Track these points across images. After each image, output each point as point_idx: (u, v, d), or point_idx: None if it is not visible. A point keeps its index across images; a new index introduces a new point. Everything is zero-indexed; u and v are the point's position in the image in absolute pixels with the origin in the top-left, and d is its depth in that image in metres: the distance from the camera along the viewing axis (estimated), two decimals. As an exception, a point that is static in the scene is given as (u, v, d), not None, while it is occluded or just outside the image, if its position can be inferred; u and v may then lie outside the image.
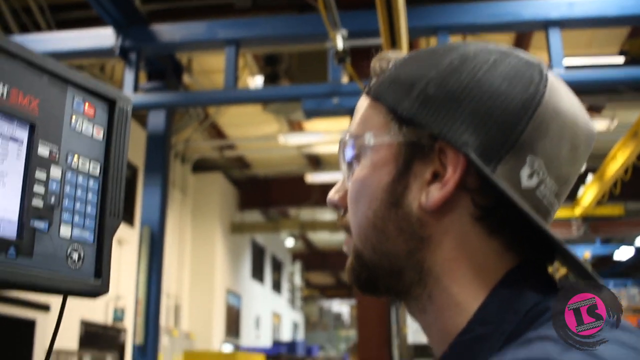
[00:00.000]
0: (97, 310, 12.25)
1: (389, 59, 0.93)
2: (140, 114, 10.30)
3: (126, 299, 12.02)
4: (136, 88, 6.59)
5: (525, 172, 0.79)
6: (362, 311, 6.65)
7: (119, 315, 12.71)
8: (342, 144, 0.92)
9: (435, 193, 0.81)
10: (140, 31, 6.65)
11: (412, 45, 5.75)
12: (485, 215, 0.80)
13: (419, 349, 3.66)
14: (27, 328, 10.09)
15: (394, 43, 4.32)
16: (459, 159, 0.79)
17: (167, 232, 13.31)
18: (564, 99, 0.82)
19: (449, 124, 0.80)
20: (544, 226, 0.77)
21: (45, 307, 10.40)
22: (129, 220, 13.01)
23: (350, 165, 0.91)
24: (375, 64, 0.94)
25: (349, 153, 0.92)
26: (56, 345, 10.07)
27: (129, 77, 6.57)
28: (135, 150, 11.05)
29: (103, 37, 6.70)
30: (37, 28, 8.85)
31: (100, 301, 12.36)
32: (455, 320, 0.80)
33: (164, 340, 11.82)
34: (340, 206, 0.94)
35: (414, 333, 3.60)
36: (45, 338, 10.30)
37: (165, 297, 14.08)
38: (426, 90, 0.82)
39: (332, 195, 0.96)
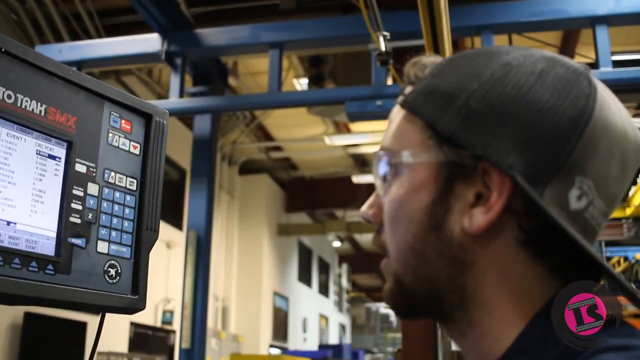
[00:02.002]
0: (146, 313, 12.38)
1: (425, 65, 0.87)
2: (188, 117, 10.38)
3: (175, 302, 12.13)
4: (182, 92, 6.64)
5: (573, 194, 0.74)
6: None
7: (167, 318, 12.83)
8: (377, 158, 0.87)
9: (480, 217, 0.76)
10: (185, 36, 6.71)
11: (456, 45, 5.71)
12: (530, 239, 0.76)
13: (462, 357, 3.60)
14: (79, 329, 10.25)
15: (436, 44, 4.28)
16: (505, 181, 0.75)
17: (215, 234, 13.44)
18: (613, 111, 0.78)
19: (494, 143, 0.75)
20: (595, 253, 0.74)
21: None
22: (178, 223, 13.13)
23: (385, 180, 0.86)
24: (410, 70, 0.88)
25: (384, 168, 0.86)
26: (106, 347, 10.26)
27: (174, 82, 6.63)
28: (183, 153, 11.15)
29: (149, 42, 6.76)
30: (86, 33, 9.00)
31: (150, 303, 12.50)
32: (494, 347, 0.77)
33: (212, 343, 11.89)
34: (375, 223, 0.89)
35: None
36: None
37: (213, 299, 14.18)
38: (468, 105, 0.77)
39: (366, 210, 0.90)
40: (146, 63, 8.57)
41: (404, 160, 0.83)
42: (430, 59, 0.89)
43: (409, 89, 0.86)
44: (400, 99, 0.86)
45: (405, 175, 0.82)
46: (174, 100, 6.52)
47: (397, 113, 0.87)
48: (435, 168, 0.80)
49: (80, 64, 6.68)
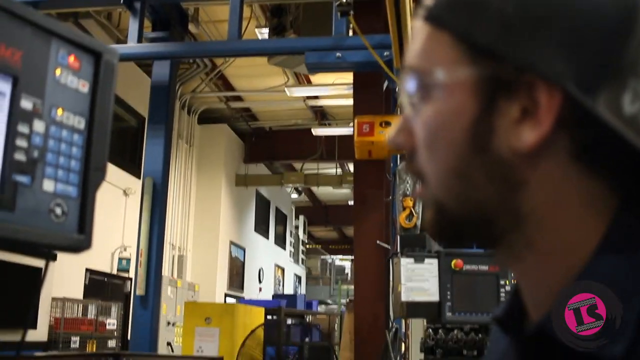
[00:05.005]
0: (102, 260, 12.35)
1: None
2: (147, 63, 10.25)
3: (131, 249, 12.11)
4: (140, 37, 6.55)
5: (627, 98, 0.67)
6: (359, 267, 6.68)
7: (123, 265, 12.82)
8: (404, 78, 0.80)
9: (529, 134, 0.70)
10: (145, -21, 6.59)
11: (416, 1, 5.68)
12: (585, 152, 0.70)
13: (412, 307, 3.65)
14: (34, 275, 10.20)
15: (397, -3, 4.27)
16: (554, 92, 0.68)
17: (172, 183, 13.39)
18: None
19: (538, 51, 0.68)
20: None
21: (52, 256, 10.46)
22: (136, 171, 13.04)
23: (414, 101, 0.79)
24: None
25: (412, 90, 0.79)
26: (61, 293, 10.23)
27: (133, 26, 6.53)
28: (142, 100, 11.03)
29: (108, -16, 6.65)
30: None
31: (106, 250, 12.46)
32: (566, 262, 0.72)
33: (168, 291, 11.93)
34: (406, 149, 0.81)
35: (407, 291, 3.59)
36: (50, 285, 10.40)
37: (170, 247, 14.19)
38: (503, 11, 0.69)
39: (395, 136, 0.82)
40: (105, 6, 8.43)
41: (437, 79, 0.75)
42: None
43: (429, 1, 0.79)
44: (423, 12, 0.79)
45: (440, 95, 0.75)
46: (132, 45, 6.44)
47: (421, 29, 0.79)
48: (474, 85, 0.73)
49: (36, 4, 6.53)
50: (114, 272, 12.79)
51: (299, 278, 26.94)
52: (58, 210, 0.93)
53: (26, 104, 0.89)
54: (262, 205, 20.95)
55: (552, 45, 0.68)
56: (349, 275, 30.16)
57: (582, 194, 0.72)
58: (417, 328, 4.52)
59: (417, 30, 0.80)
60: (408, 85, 0.79)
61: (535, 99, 0.69)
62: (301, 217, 25.94)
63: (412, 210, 5.56)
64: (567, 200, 0.72)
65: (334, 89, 13.12)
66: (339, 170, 18.71)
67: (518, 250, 0.75)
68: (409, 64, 0.80)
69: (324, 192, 22.55)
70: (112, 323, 11.48)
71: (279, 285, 23.36)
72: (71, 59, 0.96)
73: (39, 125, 0.90)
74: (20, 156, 0.87)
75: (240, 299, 16.43)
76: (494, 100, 0.72)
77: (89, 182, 0.97)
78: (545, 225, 0.73)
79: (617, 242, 0.69)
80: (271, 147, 17.63)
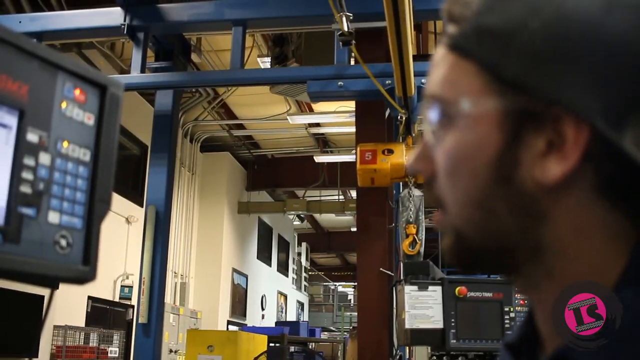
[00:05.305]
0: (104, 288, 12.33)
1: (468, 1, 0.76)
2: (150, 92, 10.29)
3: (134, 277, 12.11)
4: (144, 67, 6.58)
5: None
6: (362, 294, 6.67)
7: (126, 293, 12.79)
8: (426, 107, 0.80)
9: (555, 167, 0.69)
10: (148, 10, 6.63)
11: (418, 28, 5.73)
12: (608, 185, 0.70)
13: (416, 335, 3.64)
14: (36, 303, 10.17)
15: (398, 26, 4.29)
16: (581, 127, 0.67)
17: (175, 211, 13.38)
18: None
19: (567, 85, 0.67)
20: None
21: (56, 286, 10.44)
22: (138, 199, 13.06)
23: (436, 129, 0.78)
24: (454, 7, 0.77)
25: (435, 118, 0.78)
26: (64, 321, 10.16)
27: (136, 56, 6.57)
28: (145, 129, 11.07)
29: (111, 15, 6.68)
30: (47, 4, 8.85)
31: (109, 278, 12.44)
32: None
33: (170, 318, 11.89)
34: (426, 175, 0.81)
35: (411, 319, 3.58)
36: (53, 313, 10.36)
37: (172, 275, 14.16)
38: (533, 44, 0.68)
39: (415, 162, 0.82)
40: (108, 37, 8.47)
41: (461, 109, 0.75)
42: None
43: (452, 29, 0.77)
44: (447, 40, 0.78)
45: (464, 125, 0.75)
46: (135, 75, 6.47)
47: (443, 57, 0.78)
48: (499, 116, 0.72)
49: (40, 36, 6.59)
50: (116, 299, 12.76)
51: (301, 305, 26.83)
52: (63, 242, 0.93)
53: (32, 137, 0.89)
54: (265, 233, 20.92)
55: (580, 79, 0.67)
56: (352, 301, 30.04)
57: (603, 227, 0.71)
58: (421, 355, 4.50)
59: (439, 58, 0.79)
60: (430, 114, 0.79)
61: (562, 132, 0.69)
62: (304, 244, 25.87)
63: (415, 238, 5.57)
64: (588, 233, 0.71)
65: (336, 116, 13.15)
66: (342, 197, 18.71)
67: (536, 280, 0.75)
68: (432, 93, 0.79)
69: (327, 219, 22.52)
70: (114, 351, 11.44)
71: (282, 312, 23.26)
72: (77, 92, 0.97)
73: (44, 158, 0.91)
74: (26, 189, 0.88)
75: (242, 326, 16.36)
76: (519, 133, 0.71)
77: (94, 214, 0.98)
78: (565, 257, 0.72)
79: (636, 275, 0.68)
80: (273, 174, 17.64)
